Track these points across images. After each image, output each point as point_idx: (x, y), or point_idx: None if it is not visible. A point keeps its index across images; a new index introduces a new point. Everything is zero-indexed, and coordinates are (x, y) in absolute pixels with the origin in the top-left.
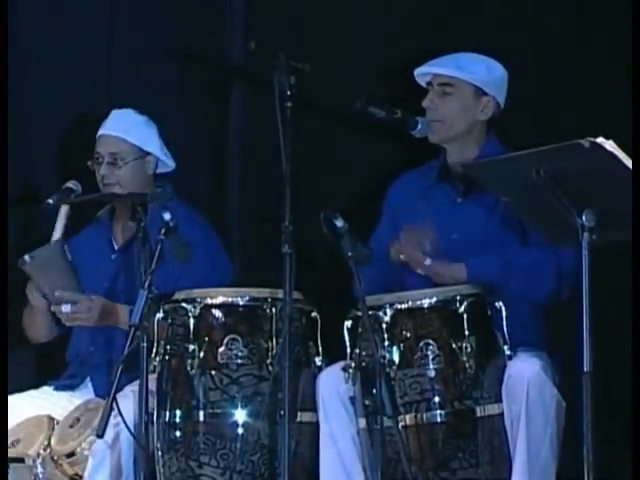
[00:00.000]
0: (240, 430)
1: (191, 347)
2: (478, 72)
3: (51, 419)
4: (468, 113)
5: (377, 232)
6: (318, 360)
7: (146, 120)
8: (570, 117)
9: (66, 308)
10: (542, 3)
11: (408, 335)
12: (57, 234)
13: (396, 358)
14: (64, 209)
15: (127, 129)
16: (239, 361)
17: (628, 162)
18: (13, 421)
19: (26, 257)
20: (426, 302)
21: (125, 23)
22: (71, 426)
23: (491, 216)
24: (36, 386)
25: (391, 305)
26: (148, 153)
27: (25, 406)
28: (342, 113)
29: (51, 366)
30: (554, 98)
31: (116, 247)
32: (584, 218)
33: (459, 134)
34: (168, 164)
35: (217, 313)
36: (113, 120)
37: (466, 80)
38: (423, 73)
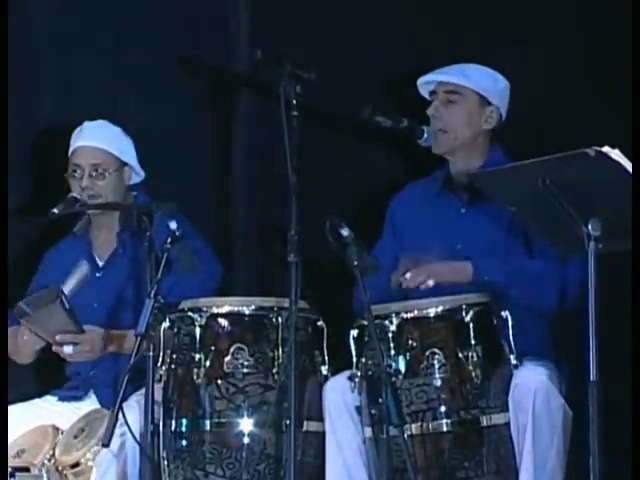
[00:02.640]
0: (246, 439)
1: (197, 356)
2: (483, 81)
3: (56, 429)
4: (472, 122)
5: (380, 243)
6: (324, 369)
7: (121, 131)
8: (575, 126)
9: (68, 349)
10: (547, 13)
11: (414, 344)
12: (69, 287)
13: (402, 367)
14: (85, 267)
15: (107, 140)
16: (245, 370)
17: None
18: (18, 431)
19: (23, 306)
20: (432, 311)
21: (130, 31)
22: (75, 436)
23: (495, 226)
24: (38, 395)
25: (397, 314)
26: (126, 164)
27: (29, 416)
28: (348, 122)
29: (52, 375)
30: (559, 107)
31: (100, 264)
32: (590, 227)
33: (464, 144)
34: (140, 175)
35: (223, 322)
36: (90, 131)
37: (472, 88)
38: (427, 82)
